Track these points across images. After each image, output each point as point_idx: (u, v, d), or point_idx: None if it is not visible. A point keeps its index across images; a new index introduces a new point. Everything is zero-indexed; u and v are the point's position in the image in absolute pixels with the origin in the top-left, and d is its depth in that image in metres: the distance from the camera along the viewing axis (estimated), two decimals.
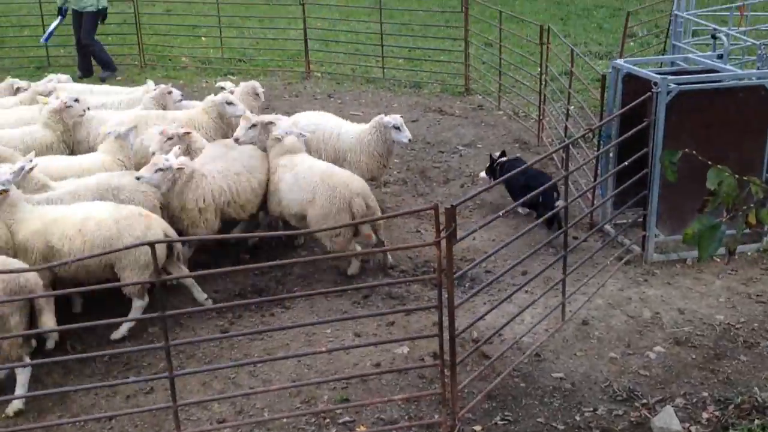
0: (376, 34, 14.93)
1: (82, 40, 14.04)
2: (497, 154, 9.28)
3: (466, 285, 7.52)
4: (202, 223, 7.66)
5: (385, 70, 14.54)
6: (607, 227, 8.33)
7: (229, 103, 9.00)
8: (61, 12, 14.14)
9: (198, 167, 7.67)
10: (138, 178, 7.27)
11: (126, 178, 7.46)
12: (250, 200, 7.98)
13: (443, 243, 5.18)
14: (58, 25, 14.21)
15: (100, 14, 14.15)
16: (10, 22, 17.94)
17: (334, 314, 7.09)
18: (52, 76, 10.67)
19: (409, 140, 8.86)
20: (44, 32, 14.49)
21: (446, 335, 5.40)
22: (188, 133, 8.25)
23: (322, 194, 7.60)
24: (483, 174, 9.39)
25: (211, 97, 9.16)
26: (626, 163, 7.17)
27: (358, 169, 8.53)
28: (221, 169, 7.83)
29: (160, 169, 7.27)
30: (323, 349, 6.23)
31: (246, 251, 8.33)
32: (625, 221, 8.28)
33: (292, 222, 7.98)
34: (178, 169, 7.35)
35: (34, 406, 5.89)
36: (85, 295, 7.21)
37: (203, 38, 16.71)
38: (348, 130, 8.94)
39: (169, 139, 7.99)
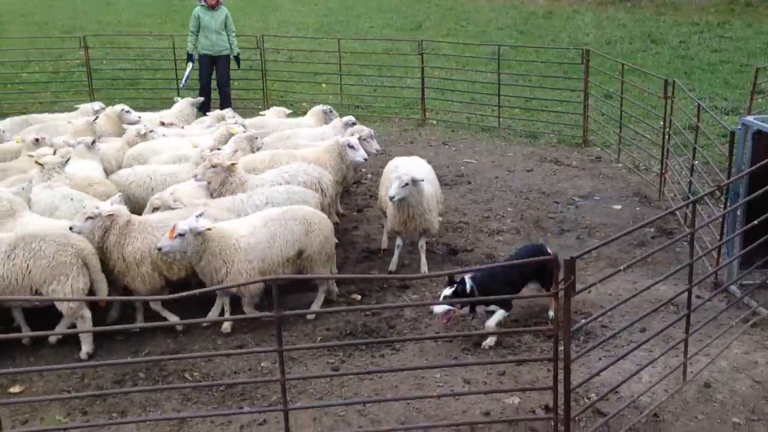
0: (492, 83, 15.02)
1: (220, 82, 14.78)
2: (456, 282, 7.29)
3: (580, 339, 7.33)
4: (139, 278, 7.49)
5: (500, 120, 14.57)
6: (733, 288, 7.96)
7: (350, 147, 9.26)
8: (191, 58, 14.91)
9: (134, 217, 7.52)
10: (71, 228, 7.24)
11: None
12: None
13: (561, 294, 5.10)
14: (191, 69, 14.99)
15: (235, 59, 14.90)
16: (144, 65, 19.08)
17: (443, 359, 7.05)
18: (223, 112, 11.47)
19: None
20: (181, 77, 15.33)
21: (561, 389, 5.28)
22: (234, 164, 8.55)
23: None
24: (439, 309, 7.08)
25: (336, 138, 9.51)
26: (755, 222, 6.88)
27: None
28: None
29: (89, 218, 7.27)
30: (433, 393, 6.20)
31: (358, 292, 8.45)
32: (752, 282, 7.90)
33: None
34: (107, 216, 7.30)
35: (153, 430, 6.09)
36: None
37: (323, 85, 17.24)
38: None
39: (213, 167, 8.33)
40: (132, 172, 8.98)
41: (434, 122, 15.18)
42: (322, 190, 8.76)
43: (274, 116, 11.87)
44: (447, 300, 6.88)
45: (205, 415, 6.16)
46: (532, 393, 6.34)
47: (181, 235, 6.97)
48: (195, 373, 7.00)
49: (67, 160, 8.48)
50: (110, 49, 19.23)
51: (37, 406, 6.42)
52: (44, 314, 7.45)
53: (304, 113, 14.58)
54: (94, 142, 9.37)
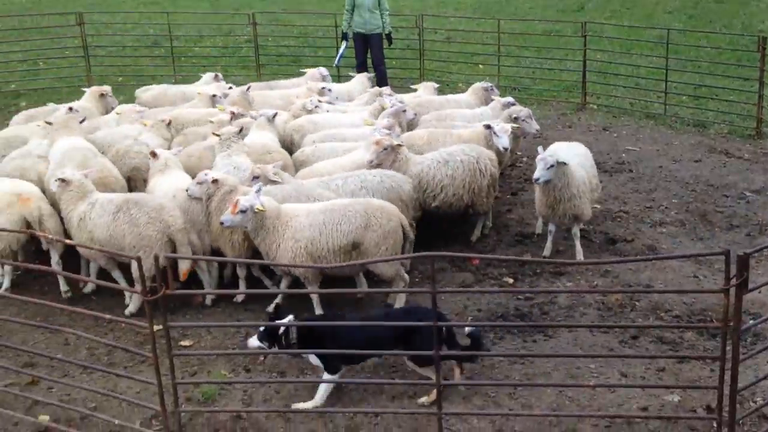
0: (659, 69, 14.38)
1: (374, 61, 14.97)
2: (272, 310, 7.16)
3: (747, 340, 6.94)
4: (230, 244, 7.76)
5: (667, 107, 13.93)
6: None
7: (495, 134, 9.18)
8: (345, 37, 15.16)
9: (239, 188, 7.70)
10: (186, 190, 7.80)
11: None
12: None
13: (732, 291, 4.86)
14: (345, 48, 15.29)
15: (387, 37, 15.03)
16: (306, 43, 19.62)
17: (599, 350, 6.89)
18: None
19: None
20: (336, 54, 15.67)
21: (726, 389, 5.04)
22: (400, 145, 8.58)
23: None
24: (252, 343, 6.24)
25: (481, 125, 9.52)
26: None
27: None
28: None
29: (198, 183, 7.66)
30: (588, 383, 6.08)
31: (510, 276, 8.39)
32: None
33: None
34: (212, 182, 7.62)
35: (309, 392, 6.33)
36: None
37: (480, 66, 17.09)
38: None
39: (384, 149, 8.40)
40: (314, 149, 9.22)
41: (595, 107, 14.73)
42: (480, 170, 8.73)
43: (426, 93, 11.89)
44: (260, 336, 6.16)
45: (359, 382, 6.34)
46: (693, 392, 6.09)
47: (242, 211, 7.10)
48: None
49: (241, 130, 8.89)
50: (275, 26, 19.86)
51: (205, 360, 6.83)
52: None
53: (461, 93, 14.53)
54: (274, 115, 9.75)
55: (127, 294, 7.71)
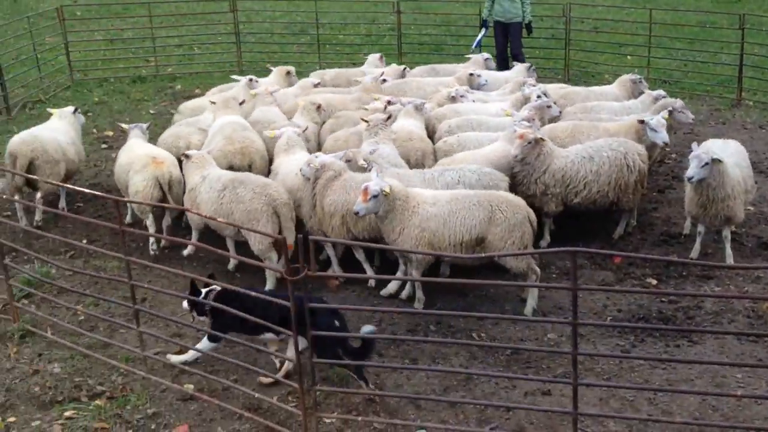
0: None
1: (513, 50, 14.74)
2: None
3: None
4: (330, 228, 7.86)
5: None
6: None
7: (652, 129, 8.82)
8: (485, 24, 15.03)
9: (345, 173, 7.82)
10: (300, 170, 7.99)
11: None
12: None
13: None
14: (484, 35, 15.19)
15: (526, 27, 14.76)
16: (449, 31, 19.57)
17: (747, 359, 6.52)
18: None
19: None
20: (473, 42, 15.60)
21: None
22: (542, 139, 8.37)
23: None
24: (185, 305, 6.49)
25: (634, 118, 9.21)
26: None
27: None
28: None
29: (309, 164, 7.88)
30: (735, 393, 5.77)
31: (654, 276, 8.08)
32: None
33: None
34: (320, 166, 7.77)
35: (441, 382, 6.35)
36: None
37: (629, 57, 16.49)
38: None
39: (528, 143, 8.25)
40: (457, 138, 9.19)
41: (751, 103, 13.89)
42: (627, 166, 8.43)
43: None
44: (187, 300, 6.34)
45: (492, 375, 6.29)
46: None
47: (374, 196, 7.09)
48: (482, 334, 7.17)
49: (389, 117, 9.05)
50: (418, 14, 19.93)
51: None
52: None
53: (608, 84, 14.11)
54: (423, 104, 9.82)
55: (268, 273, 7.96)
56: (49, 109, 10.58)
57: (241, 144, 8.97)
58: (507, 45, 14.81)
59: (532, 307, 7.49)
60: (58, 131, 9.78)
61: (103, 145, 12.29)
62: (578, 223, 9.08)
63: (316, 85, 11.56)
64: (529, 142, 8.29)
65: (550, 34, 17.76)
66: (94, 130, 12.92)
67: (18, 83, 14.59)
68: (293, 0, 23.53)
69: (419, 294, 7.59)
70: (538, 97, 9.92)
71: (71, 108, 10.34)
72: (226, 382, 6.21)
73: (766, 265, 7.95)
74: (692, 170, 7.73)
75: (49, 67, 16.00)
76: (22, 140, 9.30)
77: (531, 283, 7.34)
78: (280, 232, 7.76)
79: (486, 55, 13.06)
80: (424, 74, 12.50)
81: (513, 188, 8.28)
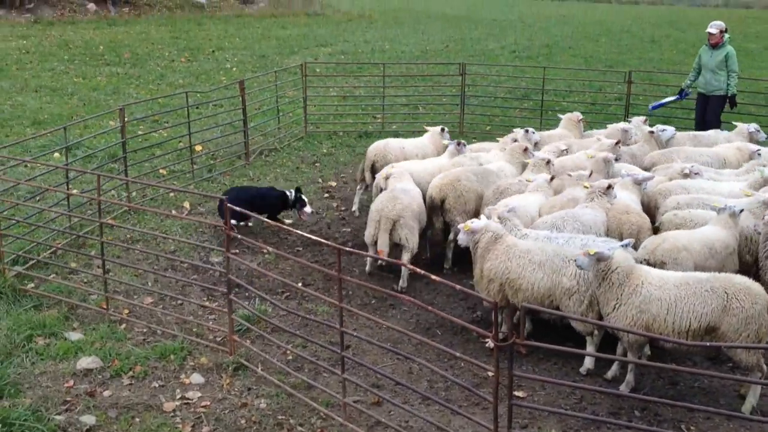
0: None
1: (709, 123, 13.98)
2: None
3: None
4: (486, 292, 7.74)
5: None
6: None
7: None
8: (681, 92, 14.60)
9: (505, 238, 7.72)
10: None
11: None
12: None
13: None
14: (673, 100, 14.78)
15: (730, 99, 14.08)
16: (679, 104, 18.77)
17: None
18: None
19: None
20: (656, 101, 15.17)
21: None
22: None
23: None
24: None
25: None
26: None
27: None
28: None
29: (471, 229, 7.85)
30: None
31: None
32: None
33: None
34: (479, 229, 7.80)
35: None
36: None
37: None
38: None
39: None
40: (689, 214, 8.75)
41: None
42: None
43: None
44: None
45: (663, 366, 5.86)
46: None
47: (599, 260, 6.87)
48: (692, 427, 6.64)
49: (609, 187, 8.83)
50: (648, 85, 19.34)
51: (536, 414, 6.76)
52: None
53: None
54: (645, 178, 9.54)
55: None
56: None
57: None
58: (704, 117, 14.31)
59: (752, 405, 6.83)
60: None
61: (326, 195, 12.98)
62: None
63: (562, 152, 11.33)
64: None
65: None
66: (320, 180, 13.71)
67: (258, 131, 15.83)
68: (519, 66, 23.79)
69: (629, 377, 7.19)
70: None
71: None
72: None
73: None
74: None
75: (287, 119, 17.24)
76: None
77: (755, 380, 6.69)
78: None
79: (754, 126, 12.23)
80: (685, 140, 12.12)
81: (745, 270, 7.69)
